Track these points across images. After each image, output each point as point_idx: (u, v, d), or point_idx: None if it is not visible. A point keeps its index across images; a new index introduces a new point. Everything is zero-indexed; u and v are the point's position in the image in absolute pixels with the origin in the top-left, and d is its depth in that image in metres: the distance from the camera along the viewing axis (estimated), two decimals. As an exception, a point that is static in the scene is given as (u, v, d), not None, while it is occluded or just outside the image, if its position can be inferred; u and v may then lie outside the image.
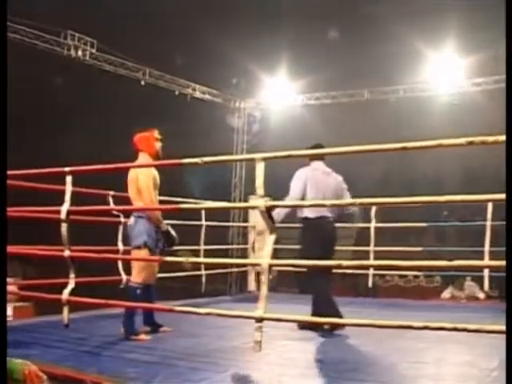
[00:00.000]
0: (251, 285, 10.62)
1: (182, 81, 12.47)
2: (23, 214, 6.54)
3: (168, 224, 5.77)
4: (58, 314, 6.77)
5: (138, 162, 5.77)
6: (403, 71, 13.62)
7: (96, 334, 5.70)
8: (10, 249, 6.75)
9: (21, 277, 11.49)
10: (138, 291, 5.50)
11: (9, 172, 6.05)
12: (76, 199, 5.63)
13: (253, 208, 4.52)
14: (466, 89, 12.51)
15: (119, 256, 5.56)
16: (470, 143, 3.54)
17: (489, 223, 8.38)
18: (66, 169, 5.24)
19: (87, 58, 10.64)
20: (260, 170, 4.13)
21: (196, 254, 9.10)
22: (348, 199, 6.16)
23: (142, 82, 11.56)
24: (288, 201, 5.97)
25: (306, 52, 15.56)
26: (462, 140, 3.57)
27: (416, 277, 16.03)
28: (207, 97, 13.29)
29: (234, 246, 13.21)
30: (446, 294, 13.31)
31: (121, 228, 7.46)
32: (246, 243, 12.44)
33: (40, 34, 10.05)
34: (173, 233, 5.71)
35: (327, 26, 15.61)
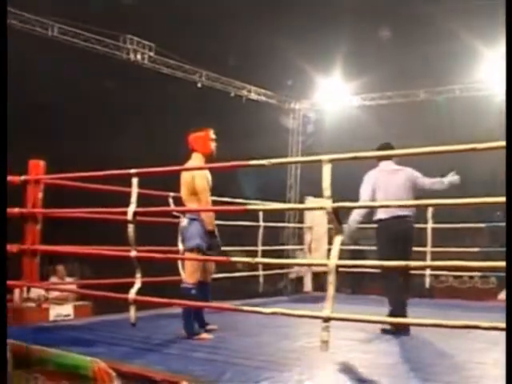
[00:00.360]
0: (307, 285, 10.63)
1: (237, 82, 12.57)
2: (90, 216, 6.70)
3: (218, 225, 5.82)
4: (116, 313, 7.00)
5: (191, 162, 5.83)
6: (459, 70, 13.47)
7: (159, 333, 5.82)
8: (76, 249, 6.96)
9: (78, 276, 11.72)
10: (193, 291, 5.56)
11: (76, 174, 6.26)
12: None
13: (319, 209, 4.53)
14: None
15: (185, 256, 5.62)
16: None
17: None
18: (132, 171, 5.34)
19: (146, 61, 10.84)
20: (327, 171, 4.17)
21: (250, 254, 9.19)
22: (427, 185, 6.23)
23: (199, 84, 11.71)
24: (361, 203, 6.05)
25: (361, 52, 15.50)
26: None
27: (471, 278, 15.83)
28: (262, 98, 13.36)
29: (290, 247, 13.23)
30: (503, 295, 13.11)
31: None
32: (301, 244, 12.50)
33: (100, 39, 10.27)
34: (218, 238, 5.74)
35: (381, 25, 15.52)
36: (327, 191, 4.17)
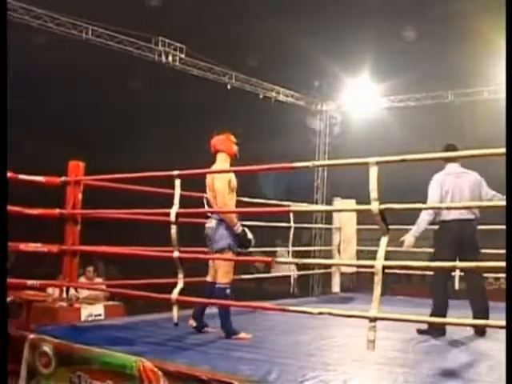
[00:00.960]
0: (335, 286, 10.62)
1: (266, 84, 12.64)
2: (131, 217, 6.76)
3: (244, 226, 5.87)
4: (148, 313, 7.08)
5: (217, 164, 5.91)
6: (488, 72, 13.42)
7: (196, 333, 5.84)
8: (117, 250, 7.03)
9: (105, 277, 11.81)
10: (228, 291, 5.64)
11: (116, 175, 6.33)
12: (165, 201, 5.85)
13: (362, 211, 4.57)
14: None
15: (228, 257, 5.67)
16: None
17: None
18: (175, 172, 5.40)
19: (177, 63, 10.93)
20: (373, 173, 4.20)
21: (267, 254, 9.25)
22: (488, 196, 6.27)
23: (228, 86, 11.79)
24: (430, 205, 6.12)
25: (389, 53, 15.45)
26: None
27: (497, 279, 15.71)
28: (290, 99, 13.42)
29: (321, 248, 13.27)
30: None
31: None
32: (328, 244, 12.53)
33: (133, 41, 10.38)
34: (249, 235, 5.81)
35: (409, 25, 15.47)
36: (374, 193, 4.20)
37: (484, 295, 6.19)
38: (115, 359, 4.70)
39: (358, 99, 14.04)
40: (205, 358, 4.70)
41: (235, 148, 5.98)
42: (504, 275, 11.11)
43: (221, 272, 5.71)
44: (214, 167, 5.91)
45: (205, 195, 7.60)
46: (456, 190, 6.18)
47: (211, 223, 5.79)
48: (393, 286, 13.20)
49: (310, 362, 4.62)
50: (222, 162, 5.93)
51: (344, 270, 10.38)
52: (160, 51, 10.66)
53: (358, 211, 4.40)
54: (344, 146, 14.96)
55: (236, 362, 4.56)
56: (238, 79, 11.99)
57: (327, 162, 4.60)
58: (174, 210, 5.32)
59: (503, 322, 3.53)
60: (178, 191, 5.36)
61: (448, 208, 6.14)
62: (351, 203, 9.59)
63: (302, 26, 14.21)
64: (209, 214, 6.09)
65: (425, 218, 6.17)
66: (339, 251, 10.30)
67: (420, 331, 5.94)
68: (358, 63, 14.14)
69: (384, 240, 4.24)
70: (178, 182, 5.38)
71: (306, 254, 12.30)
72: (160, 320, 6.57)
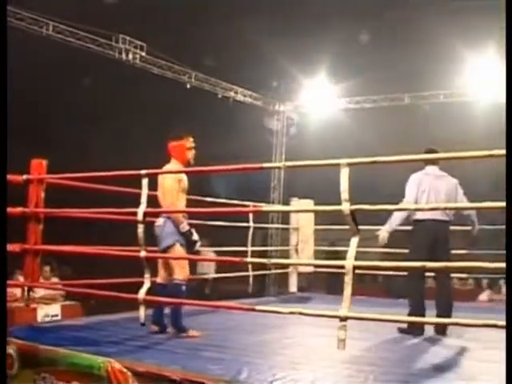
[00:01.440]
0: (292, 286, 10.65)
1: (224, 84, 12.64)
2: (96, 216, 6.69)
3: (191, 226, 5.89)
4: (102, 313, 7.02)
5: (168, 167, 5.93)
6: (444, 75, 13.66)
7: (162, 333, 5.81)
8: (81, 250, 6.92)
9: (58, 277, 11.63)
10: (183, 287, 5.66)
11: (81, 174, 6.27)
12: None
13: (331, 211, 4.60)
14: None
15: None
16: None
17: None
18: (142, 171, 5.38)
19: (137, 61, 10.86)
20: (344, 175, 4.25)
21: (220, 255, 9.25)
22: (461, 202, 6.38)
23: (188, 85, 11.76)
24: (403, 205, 6.19)
25: (346, 55, 15.60)
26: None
27: (461, 279, 15.96)
28: (248, 99, 13.44)
29: (278, 248, 13.31)
30: (484, 296, 13.33)
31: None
32: (284, 244, 12.60)
33: (94, 38, 10.27)
34: (195, 236, 5.81)
35: (367, 27, 15.64)
36: (345, 194, 4.25)
37: (450, 295, 6.31)
38: (82, 360, 4.64)
39: (316, 100, 14.12)
40: (173, 357, 4.69)
41: (190, 155, 5.98)
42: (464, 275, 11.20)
43: (177, 268, 5.69)
44: (166, 168, 5.94)
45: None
46: (432, 190, 6.28)
47: (159, 222, 5.79)
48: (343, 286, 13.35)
49: (279, 362, 4.65)
50: (173, 166, 5.97)
51: (302, 269, 10.43)
52: (120, 49, 10.57)
53: (328, 212, 4.41)
54: (300, 147, 15.07)
55: (205, 361, 4.55)
56: (197, 78, 11.96)
57: (298, 162, 4.58)
58: (142, 209, 5.30)
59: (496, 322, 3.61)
60: (145, 190, 5.34)
61: (418, 209, 6.21)
62: (309, 204, 9.69)
63: (261, 27, 14.27)
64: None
65: (398, 214, 6.28)
66: (297, 251, 10.34)
67: (401, 330, 6.02)
68: (315, 64, 14.23)
69: (354, 240, 4.29)
70: (145, 182, 5.36)
71: (263, 254, 12.34)
72: (122, 320, 6.53)
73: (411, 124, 16.10)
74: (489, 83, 12.32)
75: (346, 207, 4.25)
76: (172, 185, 5.75)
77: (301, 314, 4.47)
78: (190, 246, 5.79)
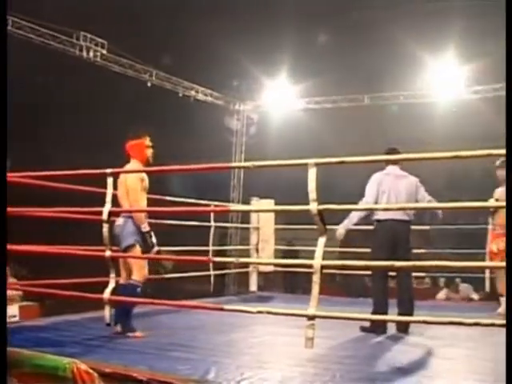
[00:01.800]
0: (253, 285, 10.67)
1: (186, 83, 12.58)
2: (63, 215, 6.61)
3: (149, 225, 5.87)
4: (65, 314, 6.94)
5: (128, 167, 5.92)
6: (404, 77, 13.84)
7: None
8: (45, 249, 6.83)
9: (13, 277, 11.49)
10: (139, 289, 5.66)
11: (44, 173, 6.18)
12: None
13: (299, 211, 4.62)
14: (465, 96, 12.72)
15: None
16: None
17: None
18: (108, 170, 5.34)
19: (98, 59, 10.76)
20: (312, 174, 4.28)
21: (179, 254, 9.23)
22: (425, 201, 6.43)
23: (149, 84, 11.69)
24: (362, 204, 6.26)
25: (307, 55, 15.70)
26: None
27: (419, 278, 16.13)
28: (209, 99, 13.42)
29: (237, 247, 13.33)
30: (442, 295, 13.55)
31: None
32: (243, 244, 12.64)
33: (55, 35, 10.14)
34: (153, 238, 5.79)
35: (328, 28, 15.74)
36: (312, 194, 4.28)
37: (412, 294, 6.40)
38: (47, 361, 4.57)
39: (276, 100, 14.16)
40: (139, 358, 4.65)
41: (148, 153, 5.99)
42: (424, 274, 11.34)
43: (135, 269, 5.69)
44: (127, 167, 5.93)
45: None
46: (393, 190, 6.33)
47: (119, 221, 5.78)
48: (305, 286, 13.44)
49: (246, 361, 4.67)
50: (133, 165, 5.97)
51: (262, 269, 10.46)
52: (81, 46, 10.46)
53: (295, 212, 4.46)
54: (259, 146, 15.15)
55: (173, 361, 4.54)
56: (158, 77, 11.90)
57: (267, 162, 4.60)
58: (107, 208, 5.27)
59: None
60: (110, 190, 5.30)
61: (379, 209, 6.30)
62: (270, 203, 9.74)
63: (223, 27, 14.28)
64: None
65: (356, 213, 6.33)
66: (257, 250, 10.36)
67: (363, 329, 6.07)
68: (276, 64, 14.29)
69: (322, 240, 4.33)
70: (110, 180, 5.33)
71: (222, 253, 12.34)
72: (84, 320, 6.49)
73: (371, 124, 16.31)
74: (448, 84, 12.52)
75: (313, 207, 4.28)
76: (135, 183, 5.74)
77: (269, 313, 4.49)
78: (147, 247, 5.76)
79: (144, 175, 5.85)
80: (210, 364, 4.42)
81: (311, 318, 4.20)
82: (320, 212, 4.29)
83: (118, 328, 5.72)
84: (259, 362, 4.60)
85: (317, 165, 4.32)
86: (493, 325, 3.82)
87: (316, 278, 4.24)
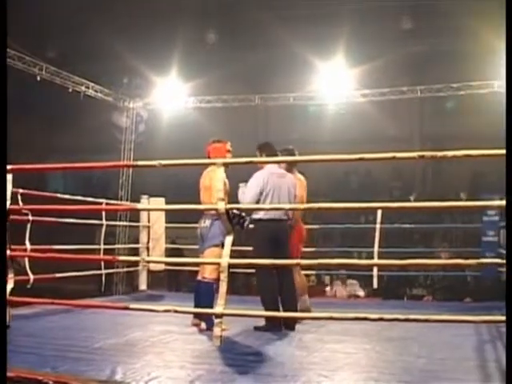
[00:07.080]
0: (142, 284, 10.56)
1: (76, 78, 12.27)
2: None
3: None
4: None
5: (211, 169, 6.00)
6: (295, 78, 14.14)
7: (19, 334, 5.54)
8: None
9: None
10: (215, 285, 5.66)
11: None
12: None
13: (208, 209, 4.65)
14: (353, 99, 13.12)
15: (63, 255, 5.54)
16: (421, 157, 3.92)
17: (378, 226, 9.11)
18: (8, 167, 5.17)
19: (-16, 50, 10.34)
20: (220, 174, 4.34)
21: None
22: (296, 198, 6.65)
23: (38, 78, 11.33)
24: (245, 203, 6.20)
25: (196, 54, 15.77)
26: (415, 154, 3.94)
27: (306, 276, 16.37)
28: (99, 95, 13.15)
29: (126, 246, 13.18)
30: (330, 291, 13.94)
31: (28, 227, 7.25)
32: (132, 242, 12.51)
33: None
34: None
35: (219, 28, 15.86)
36: (220, 193, 4.33)
37: (295, 291, 6.54)
38: None
39: (166, 98, 14.10)
40: (41, 360, 4.55)
41: (228, 157, 6.26)
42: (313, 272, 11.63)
43: (208, 268, 6.04)
44: (208, 171, 6.17)
45: (20, 191, 7.39)
46: (276, 189, 6.40)
47: (206, 223, 6.15)
48: (190, 284, 13.50)
49: (150, 361, 4.66)
50: (215, 169, 5.98)
51: (153, 267, 10.39)
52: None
53: (206, 210, 4.51)
54: (148, 143, 15.11)
55: (75, 363, 4.48)
56: (48, 71, 11.55)
57: (173, 161, 4.60)
58: (7, 206, 5.11)
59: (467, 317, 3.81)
60: (9, 186, 5.15)
61: (274, 209, 6.40)
62: (161, 202, 9.76)
63: (115, 24, 14.12)
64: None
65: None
66: (148, 249, 10.28)
67: (257, 328, 6.05)
68: (166, 62, 14.27)
69: (229, 239, 4.38)
70: (9, 177, 5.17)
71: (111, 252, 12.14)
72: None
73: (261, 123, 16.58)
74: (337, 87, 12.85)
75: (221, 206, 4.33)
76: (220, 185, 5.78)
77: (176, 311, 4.51)
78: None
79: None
80: (114, 364, 4.41)
81: (219, 316, 4.25)
82: (227, 211, 4.35)
83: (203, 325, 5.78)
84: (164, 361, 4.62)
85: (224, 164, 4.37)
86: (396, 319, 3.99)
87: (223, 277, 4.29)
